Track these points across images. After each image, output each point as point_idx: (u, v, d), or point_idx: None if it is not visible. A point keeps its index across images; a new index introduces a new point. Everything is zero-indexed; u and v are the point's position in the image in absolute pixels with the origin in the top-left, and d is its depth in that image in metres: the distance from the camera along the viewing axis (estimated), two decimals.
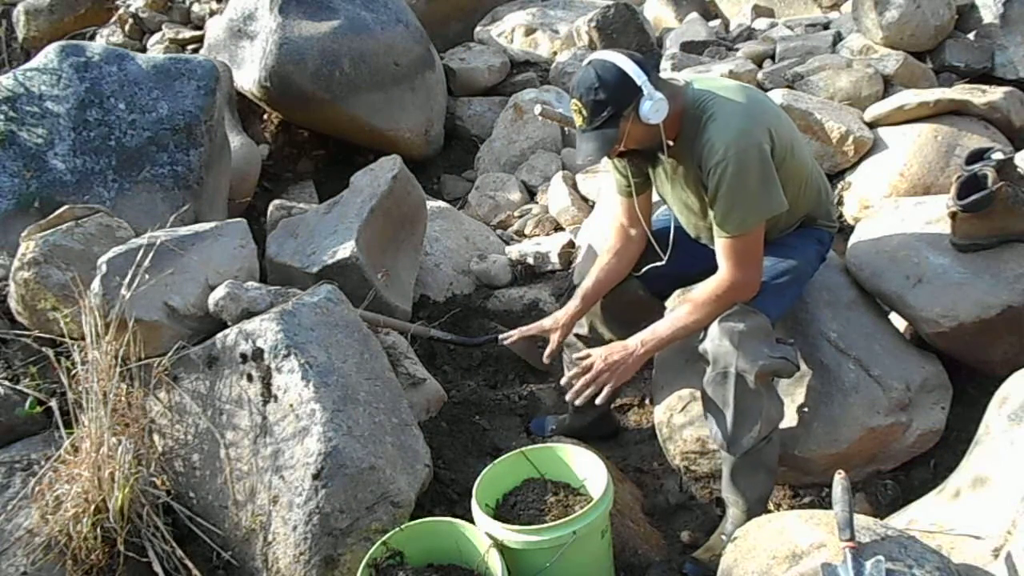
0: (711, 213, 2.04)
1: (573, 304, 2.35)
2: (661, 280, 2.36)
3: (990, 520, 1.71)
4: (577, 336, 2.43)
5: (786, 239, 2.23)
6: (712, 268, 2.07)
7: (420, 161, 4.45)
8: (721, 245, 2.03)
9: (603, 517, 1.94)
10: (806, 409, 2.30)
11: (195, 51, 4.81)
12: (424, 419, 2.55)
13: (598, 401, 2.09)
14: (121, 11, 5.38)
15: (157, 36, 5.17)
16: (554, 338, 2.37)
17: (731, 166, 1.94)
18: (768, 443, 2.07)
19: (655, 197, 2.35)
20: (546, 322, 2.41)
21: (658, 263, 2.27)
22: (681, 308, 2.12)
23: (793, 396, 2.32)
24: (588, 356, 2.15)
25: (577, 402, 2.11)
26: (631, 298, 2.37)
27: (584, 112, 1.99)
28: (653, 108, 1.95)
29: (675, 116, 2.02)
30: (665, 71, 4.01)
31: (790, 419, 2.28)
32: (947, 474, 2.01)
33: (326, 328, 2.23)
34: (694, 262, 2.24)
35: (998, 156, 2.23)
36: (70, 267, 2.34)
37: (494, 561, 1.86)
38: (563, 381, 2.18)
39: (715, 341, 2.04)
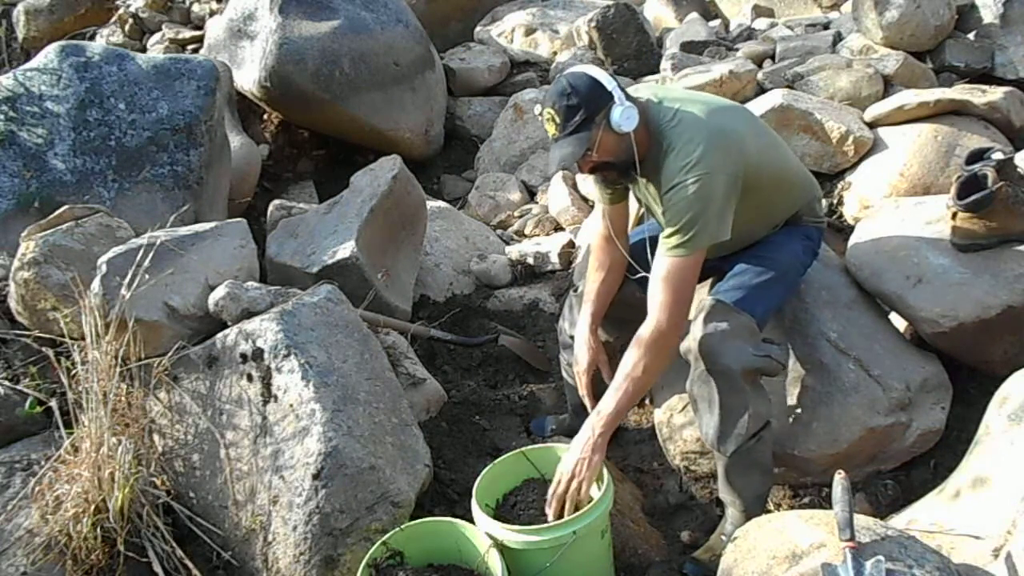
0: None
1: (589, 326, 2.32)
2: None
3: (990, 520, 1.71)
4: (572, 337, 2.43)
5: (771, 237, 2.25)
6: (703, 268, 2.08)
7: (420, 161, 4.45)
8: (657, 267, 2.02)
9: (603, 517, 1.94)
10: (799, 410, 2.30)
11: (195, 51, 4.82)
12: (424, 419, 2.55)
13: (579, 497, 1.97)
14: (121, 11, 5.38)
15: (157, 36, 5.18)
16: (603, 359, 2.33)
17: (688, 189, 1.95)
18: (759, 441, 2.07)
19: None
20: (582, 361, 2.32)
21: (647, 275, 2.28)
22: (620, 369, 2.04)
23: (791, 396, 2.32)
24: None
25: (565, 516, 1.96)
26: (628, 300, 2.36)
27: (557, 119, 1.99)
28: (624, 115, 1.96)
29: (643, 135, 2.03)
30: (664, 71, 4.01)
31: (790, 419, 2.29)
32: (947, 474, 2.01)
33: (326, 328, 2.23)
34: None
35: (998, 156, 2.23)
36: (70, 267, 2.34)
37: (494, 561, 1.85)
38: (547, 509, 2.00)
39: (698, 340, 2.05)
